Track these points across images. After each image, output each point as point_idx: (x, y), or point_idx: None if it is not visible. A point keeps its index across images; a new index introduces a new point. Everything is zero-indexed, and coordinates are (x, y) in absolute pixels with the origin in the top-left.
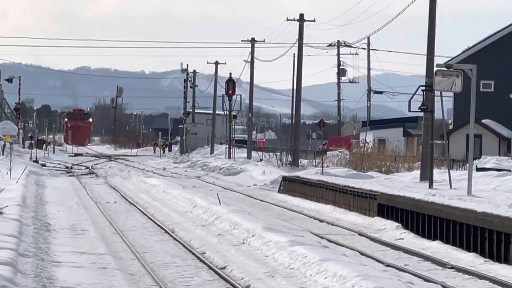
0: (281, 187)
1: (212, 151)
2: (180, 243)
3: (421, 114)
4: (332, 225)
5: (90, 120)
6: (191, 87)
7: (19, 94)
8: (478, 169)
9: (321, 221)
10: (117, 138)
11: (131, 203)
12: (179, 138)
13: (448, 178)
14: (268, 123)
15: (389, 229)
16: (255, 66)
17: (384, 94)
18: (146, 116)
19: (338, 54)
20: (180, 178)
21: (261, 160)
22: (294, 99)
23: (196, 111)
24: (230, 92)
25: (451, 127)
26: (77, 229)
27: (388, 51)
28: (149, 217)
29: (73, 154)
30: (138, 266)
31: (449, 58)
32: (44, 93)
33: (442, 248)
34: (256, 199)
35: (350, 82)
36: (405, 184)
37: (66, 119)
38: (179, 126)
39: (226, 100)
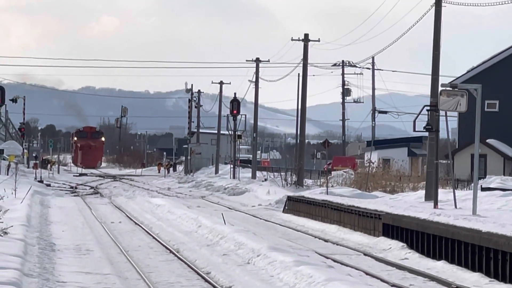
0: (286, 207)
1: (216, 171)
2: (185, 263)
3: (426, 134)
4: (337, 245)
5: (103, 139)
6: (195, 107)
7: (24, 114)
8: (483, 189)
9: (326, 241)
10: (122, 158)
11: (136, 223)
12: (184, 158)
13: (453, 198)
14: (273, 143)
15: (394, 249)
16: (259, 86)
17: (388, 114)
18: (150, 136)
19: (343, 74)
20: (185, 198)
21: (265, 180)
22: (299, 118)
23: (200, 131)
24: (235, 112)
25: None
26: (82, 249)
27: (393, 71)
28: (154, 237)
29: (78, 174)
30: (143, 286)
31: (454, 78)
32: (49, 113)
33: (447, 268)
34: (261, 219)
35: (354, 102)
36: (410, 204)
37: (75, 138)
38: (184, 146)
39: (231, 120)
